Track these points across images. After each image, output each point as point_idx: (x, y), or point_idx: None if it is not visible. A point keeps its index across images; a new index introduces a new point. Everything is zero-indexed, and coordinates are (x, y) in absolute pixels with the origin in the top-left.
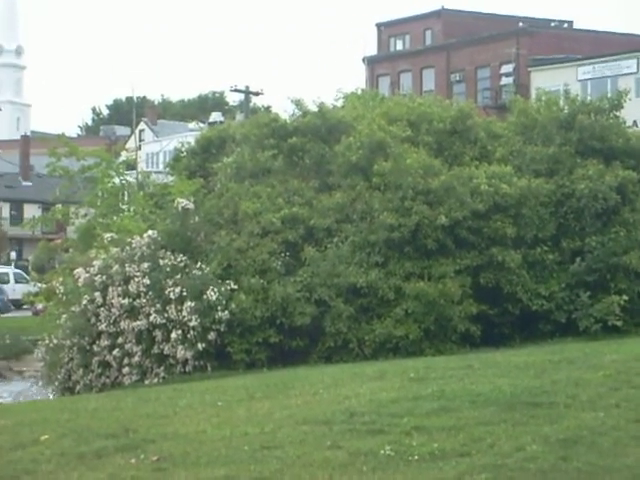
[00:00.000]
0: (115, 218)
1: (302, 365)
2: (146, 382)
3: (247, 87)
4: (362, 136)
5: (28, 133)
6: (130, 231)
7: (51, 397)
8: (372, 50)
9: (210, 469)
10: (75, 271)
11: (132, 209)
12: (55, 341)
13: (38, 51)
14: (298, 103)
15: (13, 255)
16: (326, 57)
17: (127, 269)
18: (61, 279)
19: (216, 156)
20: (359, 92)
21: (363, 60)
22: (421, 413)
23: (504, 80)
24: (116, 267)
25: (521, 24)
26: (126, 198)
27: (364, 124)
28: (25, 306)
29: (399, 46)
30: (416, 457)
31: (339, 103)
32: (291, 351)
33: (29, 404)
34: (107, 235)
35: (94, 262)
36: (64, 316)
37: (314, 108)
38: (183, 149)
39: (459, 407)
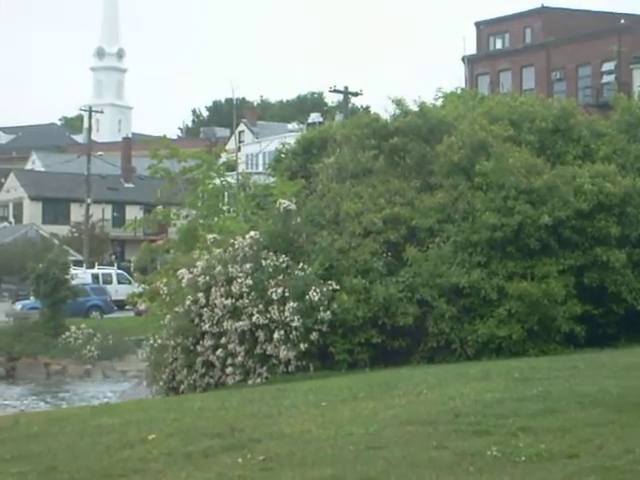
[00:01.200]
0: (216, 219)
1: (404, 365)
2: (249, 382)
3: (346, 87)
4: (464, 136)
5: (129, 135)
6: (232, 232)
7: (152, 396)
8: (471, 49)
9: (317, 469)
10: (178, 272)
11: (233, 210)
12: (159, 341)
13: (139, 54)
14: (399, 103)
15: (113, 256)
16: (425, 56)
17: (230, 270)
18: (165, 280)
19: (317, 157)
20: (459, 91)
21: (462, 59)
22: (527, 414)
23: (605, 78)
24: (219, 268)
25: (623, 21)
26: (226, 199)
27: (465, 124)
28: (127, 306)
29: (498, 45)
30: (523, 458)
31: (439, 102)
32: (393, 351)
33: (135, 403)
34: (210, 236)
35: (197, 263)
36: (168, 316)
37: (415, 108)
38: (284, 150)
39: (565, 408)
